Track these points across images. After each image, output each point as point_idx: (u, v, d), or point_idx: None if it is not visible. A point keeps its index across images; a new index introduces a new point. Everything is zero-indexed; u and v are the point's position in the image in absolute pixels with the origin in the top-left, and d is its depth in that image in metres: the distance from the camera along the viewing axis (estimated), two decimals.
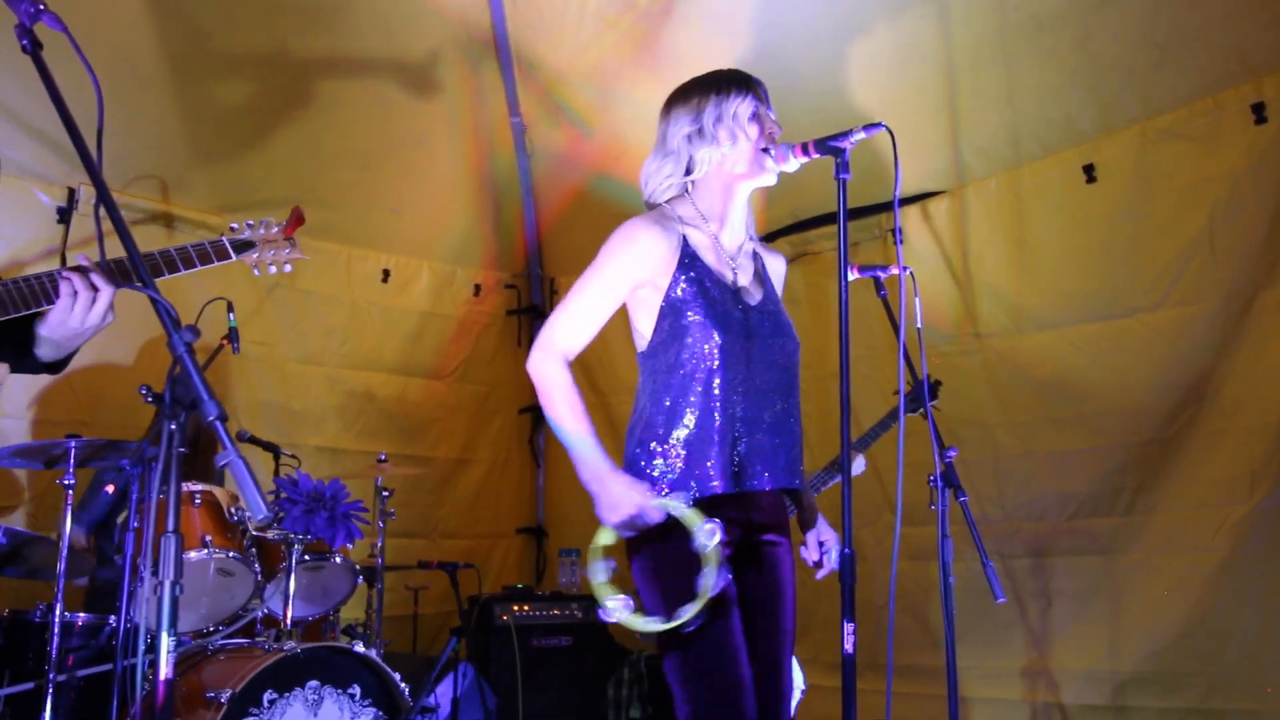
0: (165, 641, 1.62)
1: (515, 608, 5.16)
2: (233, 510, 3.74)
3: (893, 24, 4.34)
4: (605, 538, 2.23)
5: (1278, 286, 3.68)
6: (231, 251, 2.39)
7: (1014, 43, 4.13)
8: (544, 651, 5.17)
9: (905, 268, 2.54)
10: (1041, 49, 4.08)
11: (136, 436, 4.24)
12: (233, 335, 3.94)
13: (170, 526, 1.66)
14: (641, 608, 2.21)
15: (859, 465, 3.76)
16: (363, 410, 5.54)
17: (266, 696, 3.32)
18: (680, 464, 2.24)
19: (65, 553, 3.20)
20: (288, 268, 2.58)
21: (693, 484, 2.23)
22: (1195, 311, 3.88)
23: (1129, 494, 4.07)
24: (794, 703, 3.63)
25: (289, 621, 3.61)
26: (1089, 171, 4.17)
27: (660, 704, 5.13)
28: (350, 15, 4.90)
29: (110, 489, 3.99)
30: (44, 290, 2.01)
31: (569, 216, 6.01)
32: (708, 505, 2.22)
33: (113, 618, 3.45)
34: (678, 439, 2.25)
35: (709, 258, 2.35)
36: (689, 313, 2.28)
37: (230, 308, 3.92)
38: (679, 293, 2.29)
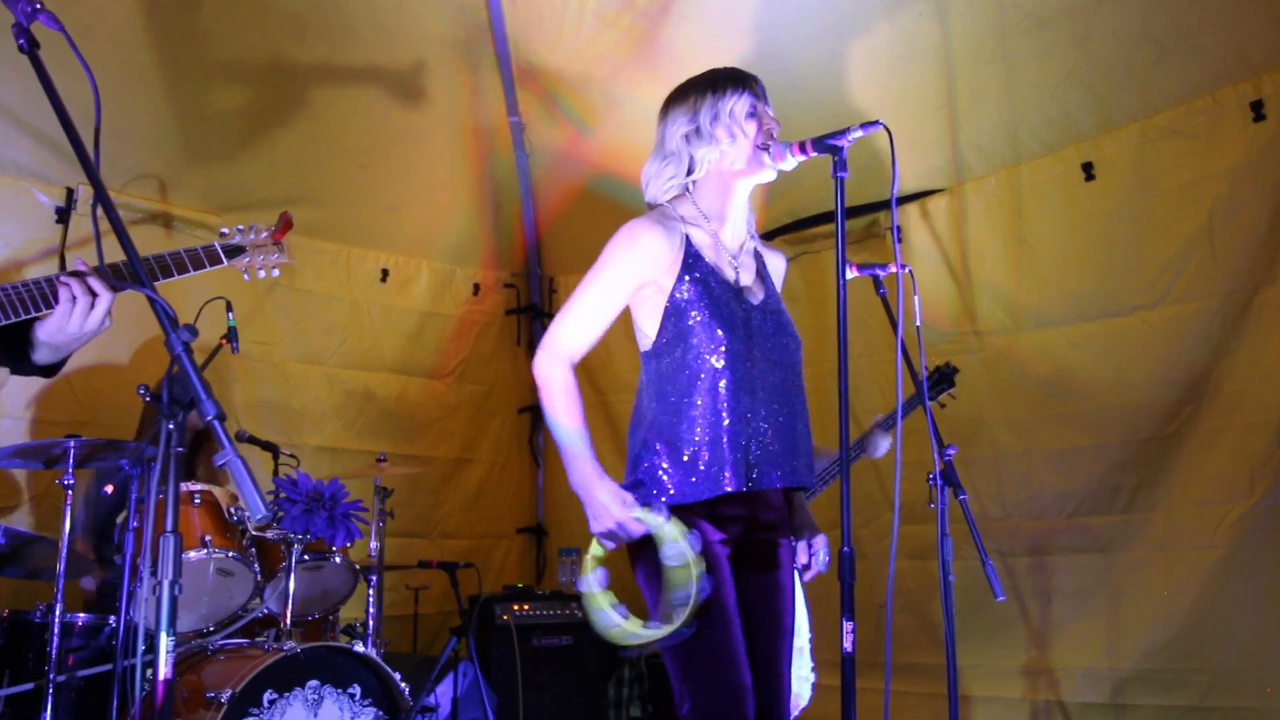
0: (164, 641, 1.62)
1: (515, 607, 5.16)
2: (232, 510, 3.73)
3: (892, 22, 4.34)
4: (598, 549, 2.25)
5: (1277, 284, 3.68)
6: (223, 256, 2.41)
7: (1013, 41, 4.12)
8: (544, 651, 5.17)
9: (904, 266, 2.53)
10: (1040, 47, 4.08)
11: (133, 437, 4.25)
12: (232, 335, 3.93)
13: (169, 526, 1.66)
14: (643, 613, 2.22)
15: (884, 444, 3.75)
16: (362, 410, 5.54)
17: (266, 696, 3.32)
18: (688, 464, 2.23)
19: (65, 553, 3.20)
20: (275, 272, 2.60)
21: (703, 484, 2.22)
22: (1195, 309, 3.88)
23: (1129, 492, 4.07)
24: (807, 696, 3.66)
25: (289, 621, 3.61)
26: (1088, 169, 4.17)
27: (660, 703, 5.13)
28: (349, 15, 4.90)
29: (109, 489, 3.99)
30: (43, 295, 2.01)
31: (568, 215, 6.01)
32: (717, 505, 2.23)
33: (112, 618, 3.45)
34: (685, 439, 2.25)
35: (712, 257, 2.35)
36: (693, 313, 2.28)
37: (229, 307, 3.91)
38: (683, 293, 2.29)
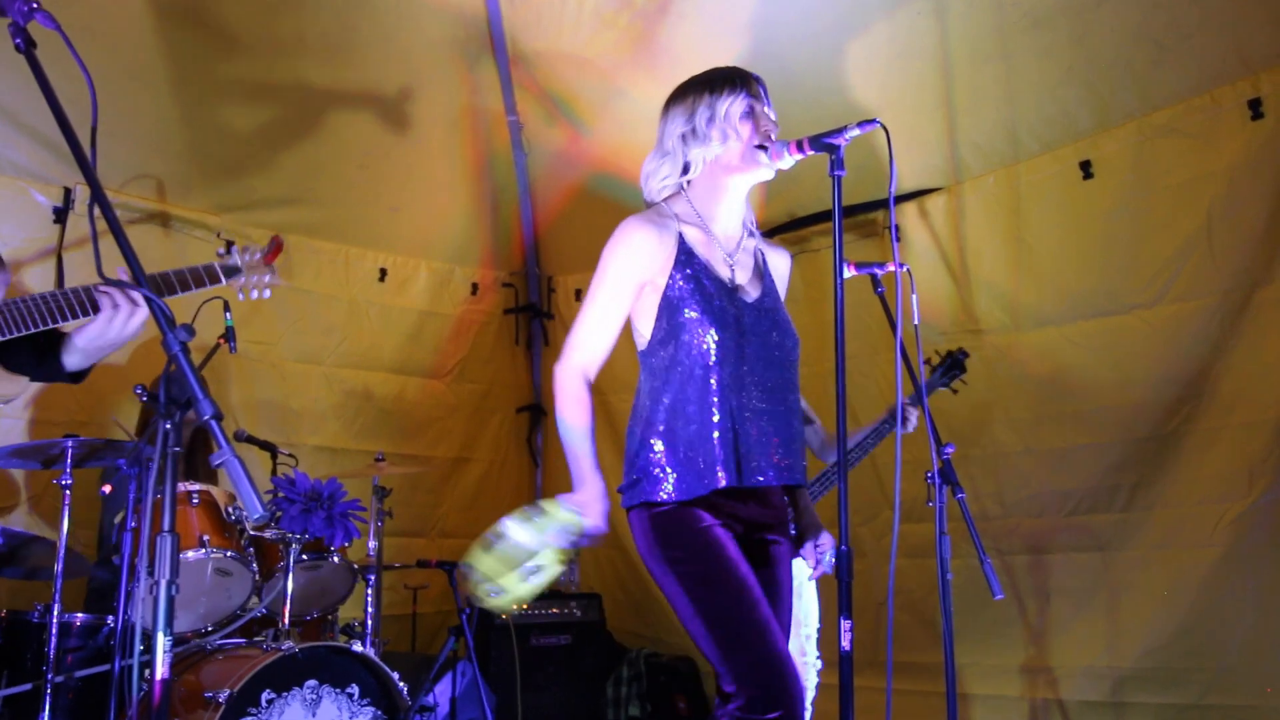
0: (161, 641, 1.61)
1: (514, 607, 5.15)
2: (230, 510, 3.73)
3: (890, 21, 4.34)
4: (563, 515, 2.30)
5: (1275, 282, 3.68)
6: (222, 276, 2.50)
7: (1011, 39, 4.12)
8: (543, 650, 5.17)
9: (902, 265, 2.54)
10: (1039, 46, 4.08)
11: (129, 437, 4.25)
12: (230, 334, 3.92)
13: (166, 526, 1.66)
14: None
15: (914, 417, 3.73)
16: (361, 409, 5.54)
17: (265, 696, 3.32)
18: (682, 460, 2.25)
19: (63, 553, 3.20)
20: (266, 293, 2.72)
21: (697, 479, 2.23)
22: (1193, 308, 3.88)
23: (1127, 490, 4.07)
24: (814, 683, 3.68)
25: (287, 621, 3.61)
26: (1086, 168, 4.17)
27: (659, 702, 5.13)
28: (348, 17, 4.89)
29: (107, 489, 3.99)
30: (81, 303, 2.07)
31: (566, 215, 6.01)
32: (714, 502, 2.24)
33: (110, 618, 3.45)
34: (679, 436, 2.26)
35: (705, 254, 2.37)
36: (686, 309, 2.29)
37: (227, 307, 3.91)
38: (676, 289, 2.31)
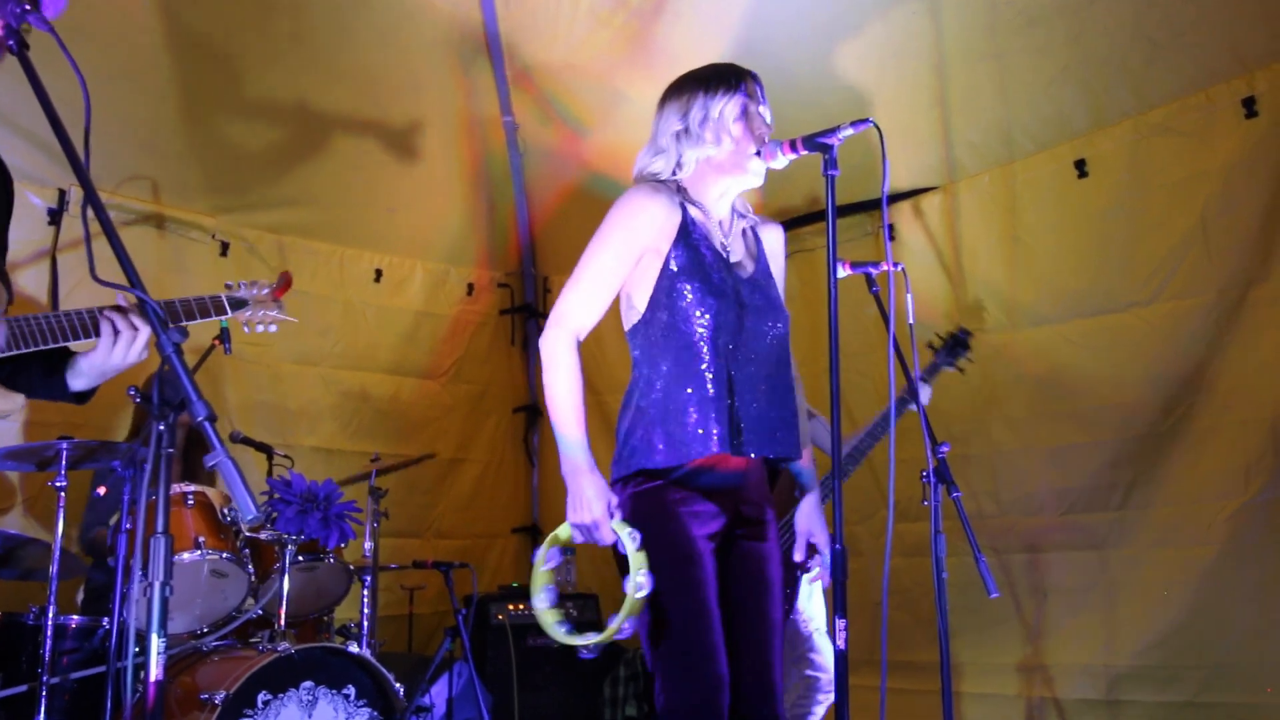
0: (155, 643, 1.61)
1: (511, 607, 5.16)
2: (226, 511, 3.72)
3: (884, 20, 4.35)
4: (565, 533, 2.27)
5: (1271, 280, 3.69)
6: (228, 307, 2.52)
7: (1005, 38, 4.13)
8: (539, 650, 5.17)
9: (897, 264, 2.53)
10: (1033, 44, 4.08)
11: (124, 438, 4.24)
12: (224, 335, 3.91)
13: (160, 528, 1.66)
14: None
15: (926, 393, 3.72)
16: (357, 410, 5.54)
17: (261, 698, 3.31)
18: (677, 428, 2.24)
19: (58, 555, 3.19)
20: (273, 328, 2.73)
21: (691, 446, 2.22)
22: (1189, 306, 3.89)
23: (1124, 489, 4.07)
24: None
25: (283, 622, 3.60)
26: (1081, 167, 4.18)
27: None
28: (343, 15, 4.89)
29: (101, 490, 3.98)
30: (84, 326, 2.07)
31: (562, 215, 6.01)
32: (704, 490, 2.24)
33: (105, 620, 3.44)
34: (674, 403, 2.25)
35: (704, 228, 2.36)
36: (685, 279, 2.29)
37: None
38: (677, 259, 2.30)
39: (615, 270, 2.32)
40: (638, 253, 2.32)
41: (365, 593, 4.12)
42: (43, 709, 3.07)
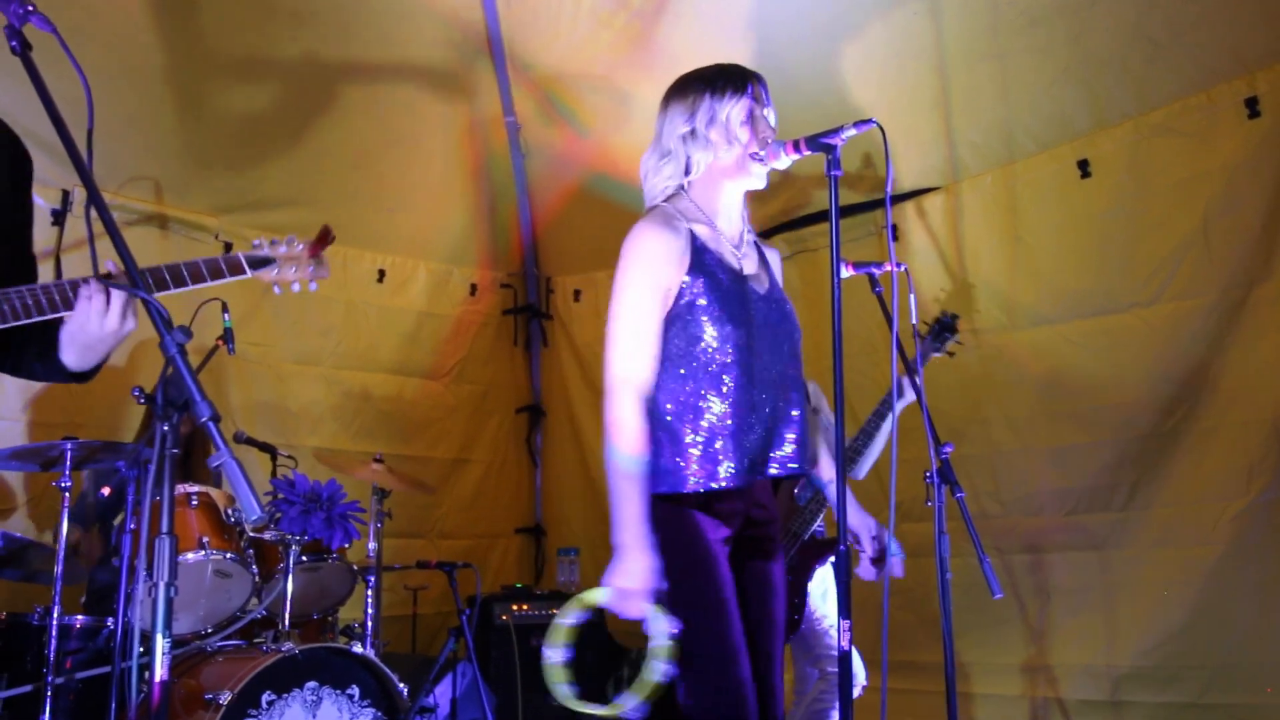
0: (160, 643, 1.62)
1: (514, 607, 5.16)
2: (230, 512, 3.73)
3: (886, 21, 4.34)
4: (596, 596, 2.22)
5: (1273, 280, 3.69)
6: (247, 267, 2.27)
7: (1007, 39, 4.13)
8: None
9: (900, 264, 2.53)
10: (1035, 45, 4.08)
11: (133, 438, 4.25)
12: (228, 336, 3.92)
13: (165, 528, 1.66)
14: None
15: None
16: (359, 410, 5.54)
17: (265, 698, 3.32)
18: (690, 455, 2.24)
19: (62, 555, 3.20)
20: (313, 286, 2.46)
21: (703, 474, 2.22)
22: (1191, 306, 3.89)
23: (1126, 489, 4.07)
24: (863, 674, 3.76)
25: (287, 623, 3.61)
26: (1083, 167, 4.18)
27: (659, 701, 5.12)
28: (344, 16, 4.89)
29: (106, 491, 3.98)
30: (64, 297, 1.99)
31: (564, 215, 6.01)
32: (714, 499, 2.24)
33: (110, 620, 3.45)
34: (688, 429, 2.25)
35: (716, 249, 2.35)
36: (701, 302, 2.28)
37: (225, 308, 3.91)
38: (693, 288, 2.29)
39: (650, 312, 2.28)
40: (661, 292, 2.28)
41: (369, 593, 4.13)
42: (48, 709, 3.07)
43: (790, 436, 2.34)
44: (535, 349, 6.45)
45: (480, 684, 4.48)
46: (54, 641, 3.13)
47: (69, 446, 3.26)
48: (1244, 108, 3.74)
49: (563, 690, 2.30)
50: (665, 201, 2.40)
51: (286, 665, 3.38)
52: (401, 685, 3.60)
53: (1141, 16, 3.82)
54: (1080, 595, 4.18)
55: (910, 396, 3.55)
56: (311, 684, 3.43)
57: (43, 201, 4.46)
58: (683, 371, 2.28)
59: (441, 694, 4.60)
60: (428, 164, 5.64)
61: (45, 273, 4.43)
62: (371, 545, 4.22)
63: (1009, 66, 4.19)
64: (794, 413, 2.36)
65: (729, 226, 2.42)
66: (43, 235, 4.44)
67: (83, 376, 2.15)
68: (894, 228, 4.66)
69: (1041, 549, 4.29)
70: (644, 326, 2.27)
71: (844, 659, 1.98)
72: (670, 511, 2.23)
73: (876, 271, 3.24)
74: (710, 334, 2.26)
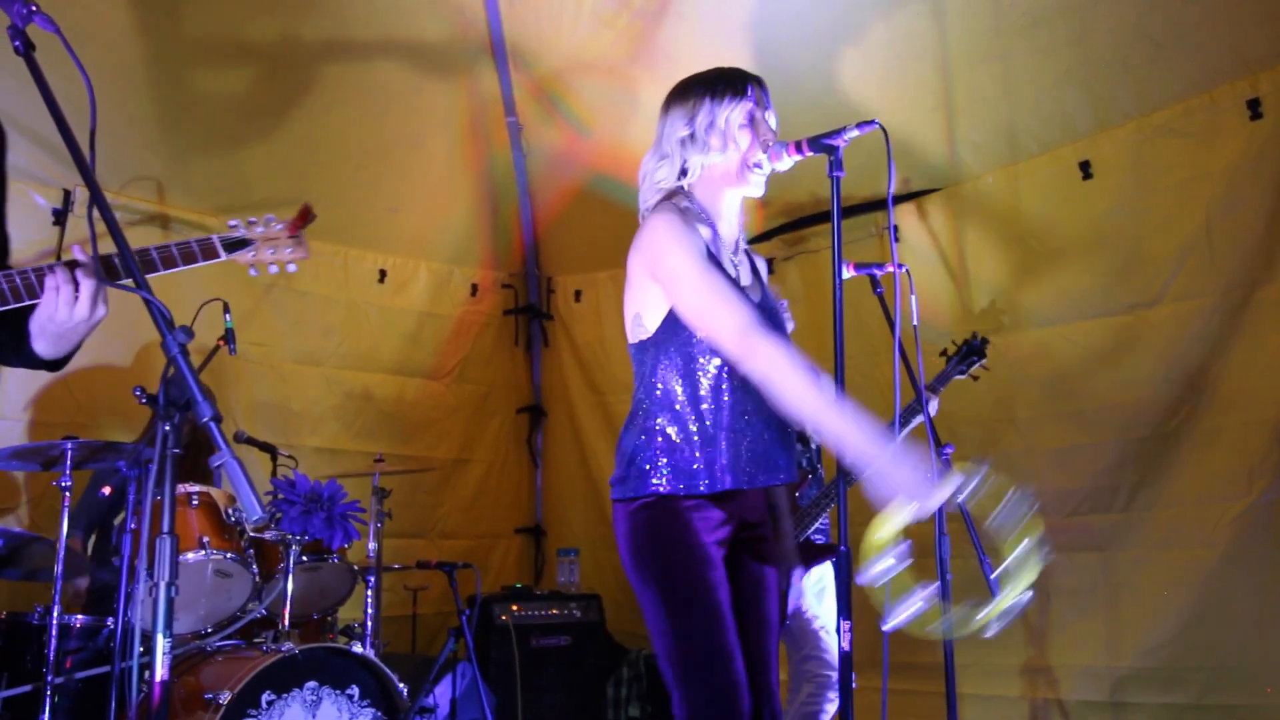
0: (160, 643, 1.61)
1: (514, 607, 5.16)
2: (230, 511, 3.73)
3: (888, 22, 4.34)
4: (896, 521, 1.99)
5: (1275, 282, 3.69)
6: (221, 250, 2.23)
7: (1009, 40, 4.13)
8: (543, 651, 5.17)
9: (901, 265, 2.53)
10: (1037, 46, 4.08)
11: (134, 438, 4.25)
12: (229, 336, 3.93)
13: (165, 528, 1.66)
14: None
15: (934, 405, 3.69)
16: (360, 410, 5.54)
17: (265, 698, 3.32)
18: (685, 459, 2.23)
19: (62, 555, 3.19)
20: (291, 267, 2.36)
21: (699, 479, 2.22)
22: (1193, 307, 3.88)
23: (1128, 490, 4.07)
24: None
25: (287, 623, 3.61)
26: (1085, 168, 4.17)
27: (659, 703, 5.13)
28: (345, 17, 4.89)
29: (107, 490, 3.98)
30: (29, 285, 1.97)
31: (566, 216, 6.01)
32: (708, 502, 2.23)
33: (110, 619, 3.45)
34: (683, 434, 2.24)
35: (718, 253, 2.35)
36: None
37: (226, 308, 3.91)
38: None
39: (707, 266, 2.21)
40: (701, 252, 2.23)
41: (369, 593, 4.13)
42: (47, 709, 3.07)
43: (784, 446, 2.34)
44: (536, 349, 6.45)
45: (480, 684, 4.47)
46: (54, 641, 3.12)
47: (69, 446, 3.26)
48: (1246, 109, 3.74)
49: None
50: (669, 199, 2.38)
51: (286, 665, 3.38)
52: (401, 685, 3.60)
53: (1143, 17, 3.82)
54: (1081, 596, 4.18)
55: (933, 409, 3.54)
56: (311, 684, 3.43)
57: (44, 201, 4.47)
58: (680, 374, 2.27)
59: (441, 694, 4.60)
60: (429, 165, 5.64)
61: None
62: (371, 545, 4.22)
63: (1011, 67, 4.19)
64: (783, 422, 2.34)
65: (727, 232, 2.41)
66: (44, 235, 4.45)
67: (57, 364, 2.12)
68: (895, 229, 4.66)
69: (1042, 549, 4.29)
70: (717, 282, 2.20)
71: (845, 659, 1.98)
72: (665, 513, 2.22)
73: (878, 272, 3.24)
74: (707, 342, 2.25)
